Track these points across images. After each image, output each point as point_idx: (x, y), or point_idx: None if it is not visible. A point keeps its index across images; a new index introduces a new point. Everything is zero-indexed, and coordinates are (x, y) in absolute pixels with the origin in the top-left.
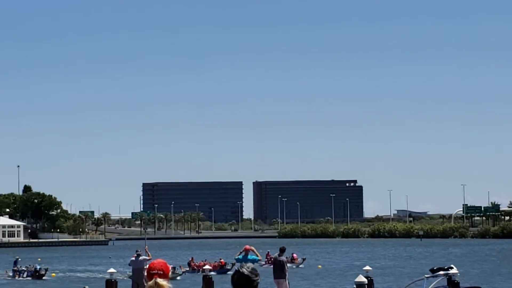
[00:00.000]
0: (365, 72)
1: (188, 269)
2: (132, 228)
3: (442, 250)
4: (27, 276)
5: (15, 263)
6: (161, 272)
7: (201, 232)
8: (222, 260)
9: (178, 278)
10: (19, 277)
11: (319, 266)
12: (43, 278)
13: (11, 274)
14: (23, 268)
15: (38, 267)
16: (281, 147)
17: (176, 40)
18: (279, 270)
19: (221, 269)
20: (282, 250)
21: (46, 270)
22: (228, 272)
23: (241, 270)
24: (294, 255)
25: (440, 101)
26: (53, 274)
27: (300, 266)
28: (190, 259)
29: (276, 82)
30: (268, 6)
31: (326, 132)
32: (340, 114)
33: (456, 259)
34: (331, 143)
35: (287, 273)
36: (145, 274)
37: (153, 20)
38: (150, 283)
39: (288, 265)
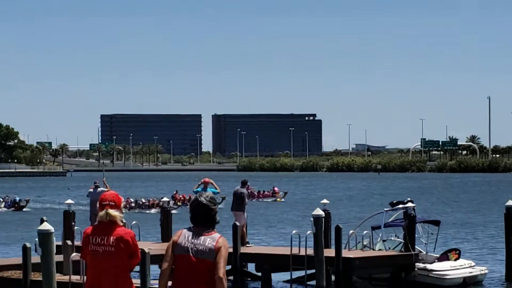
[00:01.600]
0: (324, 8)
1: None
2: (90, 160)
3: (400, 184)
4: (4, 207)
5: None
6: (113, 203)
7: (159, 165)
8: None
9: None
10: None
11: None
12: (24, 210)
13: None
14: (0, 199)
15: (17, 198)
16: (241, 81)
17: None
18: (238, 202)
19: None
20: (243, 183)
21: (27, 201)
22: (219, 206)
23: (199, 199)
24: (276, 188)
25: (399, 37)
26: None
27: (282, 200)
28: (175, 192)
29: (236, 17)
30: None
31: (286, 66)
32: (300, 49)
33: (413, 194)
34: (291, 77)
35: (246, 206)
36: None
37: None
38: (101, 213)
39: (270, 199)
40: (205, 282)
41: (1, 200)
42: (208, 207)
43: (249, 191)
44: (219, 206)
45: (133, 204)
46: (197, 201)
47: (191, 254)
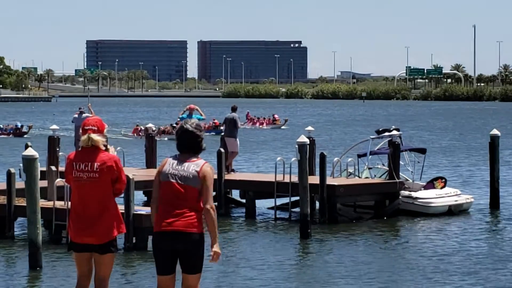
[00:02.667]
0: None
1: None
2: (75, 85)
3: (385, 111)
4: (7, 133)
5: None
6: (95, 128)
7: (145, 91)
8: (216, 121)
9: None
10: None
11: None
12: (25, 136)
13: None
14: (0, 126)
15: (19, 124)
16: (226, 7)
17: None
18: (231, 128)
19: (215, 129)
20: (233, 109)
21: (30, 127)
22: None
23: (185, 126)
24: (276, 115)
25: None
26: None
27: (283, 127)
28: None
29: None
30: None
31: None
32: None
33: (398, 121)
34: (277, 4)
35: (237, 131)
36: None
37: None
38: (84, 137)
39: (270, 126)
40: (189, 207)
41: (2, 127)
42: (194, 134)
43: (248, 117)
44: (283, 127)
45: (141, 133)
46: (183, 128)
47: (174, 181)
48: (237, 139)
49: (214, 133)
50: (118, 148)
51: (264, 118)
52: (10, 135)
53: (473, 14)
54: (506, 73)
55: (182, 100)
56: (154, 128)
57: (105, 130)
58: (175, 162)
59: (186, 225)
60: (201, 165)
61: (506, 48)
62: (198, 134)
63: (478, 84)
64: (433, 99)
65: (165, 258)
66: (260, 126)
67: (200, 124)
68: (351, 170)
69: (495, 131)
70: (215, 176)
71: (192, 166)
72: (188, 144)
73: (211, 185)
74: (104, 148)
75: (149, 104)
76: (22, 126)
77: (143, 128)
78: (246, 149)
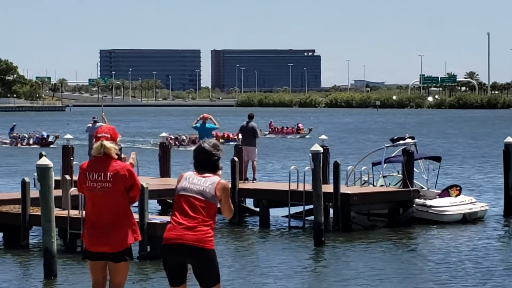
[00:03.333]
0: None
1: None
2: (89, 95)
3: (399, 119)
4: (33, 143)
5: (12, 129)
6: (108, 136)
7: (159, 100)
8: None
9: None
10: (21, 144)
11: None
12: (51, 146)
13: (7, 141)
14: (25, 135)
15: (45, 134)
16: (240, 16)
17: None
18: (249, 137)
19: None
20: (250, 117)
21: (57, 137)
22: (189, 148)
23: (202, 145)
24: (300, 125)
25: None
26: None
27: (307, 136)
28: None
29: None
30: None
31: (286, 2)
32: None
33: (413, 129)
34: (290, 12)
35: (256, 140)
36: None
37: None
38: (97, 144)
39: (293, 135)
40: (201, 221)
41: (28, 135)
42: (211, 153)
43: (272, 127)
44: (307, 136)
45: (172, 142)
46: (200, 147)
47: (189, 194)
48: (256, 148)
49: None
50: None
51: (288, 128)
52: (35, 145)
53: (487, 22)
54: None
55: (196, 109)
56: (184, 137)
57: (118, 139)
58: (192, 177)
59: (197, 240)
60: (217, 181)
61: None
62: (215, 153)
63: (492, 92)
64: (447, 107)
65: (174, 270)
66: (284, 135)
67: (217, 143)
68: (365, 178)
69: (509, 139)
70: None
71: (209, 181)
72: (205, 163)
73: (228, 198)
74: (116, 156)
75: (162, 113)
76: (48, 136)
77: (173, 137)
78: (261, 157)
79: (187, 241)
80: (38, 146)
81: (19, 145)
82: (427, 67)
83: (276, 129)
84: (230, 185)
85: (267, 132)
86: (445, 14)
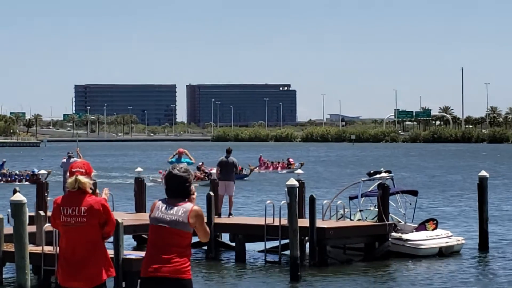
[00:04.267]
0: None
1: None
2: (64, 130)
3: (375, 153)
4: (24, 181)
5: (2, 166)
6: (83, 170)
7: (134, 135)
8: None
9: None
10: (9, 181)
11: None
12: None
13: None
14: (16, 172)
15: (35, 171)
16: (215, 50)
17: None
18: (229, 172)
19: (236, 174)
20: (228, 152)
21: (49, 173)
22: (245, 178)
23: (173, 171)
24: (291, 159)
25: (372, 7)
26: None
27: (297, 171)
28: (200, 163)
29: None
30: None
31: (260, 36)
32: (273, 18)
33: (389, 164)
34: (265, 47)
35: (234, 175)
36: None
37: None
38: (71, 179)
39: (285, 171)
40: (177, 252)
41: (19, 173)
42: (183, 179)
43: (261, 161)
44: (298, 171)
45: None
46: (172, 174)
47: (163, 224)
48: (234, 183)
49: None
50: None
51: (279, 162)
52: (26, 182)
53: (461, 57)
54: (494, 115)
55: (171, 144)
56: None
57: (92, 174)
58: (164, 205)
59: (174, 271)
60: (189, 208)
61: (494, 90)
62: (186, 178)
63: (467, 126)
64: (422, 141)
65: None
66: (275, 170)
67: (188, 169)
68: (342, 212)
69: (483, 173)
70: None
71: (181, 209)
72: (177, 189)
73: (203, 224)
74: (91, 191)
75: (138, 148)
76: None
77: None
78: (240, 192)
79: (164, 274)
80: (29, 183)
81: (10, 182)
82: (401, 102)
83: (266, 164)
84: (202, 211)
85: (256, 167)
86: (419, 49)
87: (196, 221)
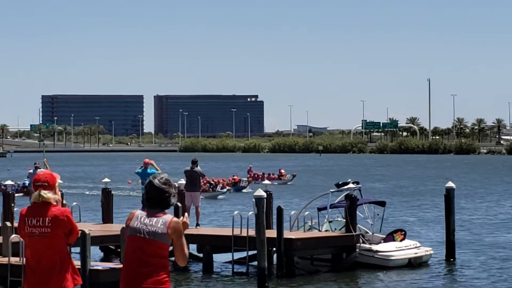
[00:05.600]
0: None
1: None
2: (31, 141)
3: (342, 163)
4: (16, 191)
5: None
6: (46, 184)
7: (101, 145)
8: (235, 177)
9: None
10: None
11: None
12: None
13: None
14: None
15: (27, 182)
16: (182, 61)
17: None
18: (195, 182)
19: (234, 186)
20: (194, 162)
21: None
22: (243, 190)
23: (153, 182)
24: (282, 170)
25: (339, 18)
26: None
27: (289, 183)
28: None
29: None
30: None
31: (227, 47)
32: (242, 30)
33: (357, 174)
34: (232, 57)
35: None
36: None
37: None
38: (35, 194)
39: (275, 182)
40: (156, 263)
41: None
42: (162, 190)
43: (250, 173)
44: (289, 182)
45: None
46: (151, 184)
47: (142, 235)
48: (200, 194)
49: (232, 190)
50: (74, 203)
51: (270, 174)
52: (18, 193)
53: (428, 68)
54: (461, 126)
55: (138, 155)
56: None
57: (57, 182)
58: (143, 216)
59: (154, 282)
60: (169, 219)
61: (461, 101)
62: (166, 190)
63: (433, 137)
64: (389, 152)
65: None
66: (264, 182)
67: (168, 179)
68: (312, 223)
69: (450, 184)
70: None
71: (161, 221)
72: (156, 199)
73: (181, 238)
74: (55, 203)
75: (105, 158)
76: (29, 184)
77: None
78: (209, 203)
79: (144, 285)
80: (21, 194)
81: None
82: (369, 113)
83: (256, 175)
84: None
85: (244, 179)
86: (386, 60)
87: (174, 232)
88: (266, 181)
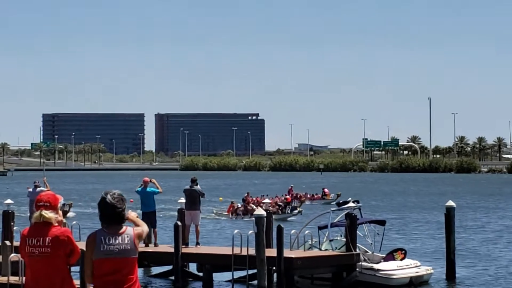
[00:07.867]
0: (266, 8)
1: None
2: (32, 159)
3: (343, 183)
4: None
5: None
6: (48, 204)
7: (102, 164)
8: (288, 197)
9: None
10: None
11: (220, 198)
12: (67, 215)
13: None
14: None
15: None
16: (183, 80)
17: None
18: (195, 201)
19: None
20: (193, 181)
21: (70, 206)
22: (295, 211)
23: (106, 199)
24: (326, 190)
25: (339, 36)
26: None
27: (333, 203)
28: (246, 194)
29: (178, 20)
30: None
31: (228, 66)
32: (242, 49)
33: (358, 194)
34: (233, 76)
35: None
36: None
37: None
38: (36, 214)
39: (322, 201)
40: (129, 279)
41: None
42: (115, 206)
43: (292, 193)
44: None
45: (238, 212)
46: (104, 201)
47: (113, 256)
48: (200, 212)
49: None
50: (74, 222)
51: (313, 195)
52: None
53: (428, 87)
54: (462, 144)
55: (139, 173)
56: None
57: (59, 204)
58: (106, 236)
59: None
60: (132, 233)
61: (461, 120)
62: (119, 206)
63: (434, 155)
64: (390, 170)
65: None
66: (310, 202)
67: (121, 194)
68: (312, 242)
69: (450, 203)
70: (172, 249)
71: (126, 237)
72: (111, 216)
73: (142, 230)
74: (57, 224)
75: (106, 177)
76: (64, 204)
77: (239, 206)
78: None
79: None
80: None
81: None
82: (370, 131)
83: (298, 196)
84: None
85: (302, 198)
86: (387, 78)
87: (139, 237)
88: (266, 200)
